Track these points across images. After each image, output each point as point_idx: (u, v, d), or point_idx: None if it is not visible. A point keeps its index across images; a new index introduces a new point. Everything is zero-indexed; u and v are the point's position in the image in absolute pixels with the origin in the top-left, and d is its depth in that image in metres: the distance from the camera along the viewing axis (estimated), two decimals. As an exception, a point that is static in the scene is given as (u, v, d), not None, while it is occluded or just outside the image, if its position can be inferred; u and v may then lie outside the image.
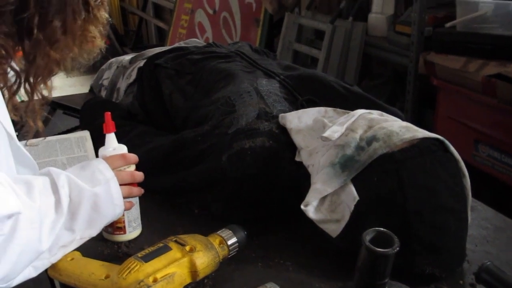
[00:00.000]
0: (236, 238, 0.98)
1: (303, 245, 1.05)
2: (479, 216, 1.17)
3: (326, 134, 1.00)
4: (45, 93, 0.93)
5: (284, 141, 1.12)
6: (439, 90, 2.29)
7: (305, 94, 1.26)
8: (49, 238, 0.83)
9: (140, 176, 1.01)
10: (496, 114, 2.02)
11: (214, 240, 0.96)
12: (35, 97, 0.93)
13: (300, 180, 1.06)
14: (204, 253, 0.92)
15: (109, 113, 1.03)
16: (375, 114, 1.05)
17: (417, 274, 0.92)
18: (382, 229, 0.67)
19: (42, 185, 0.85)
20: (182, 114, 1.32)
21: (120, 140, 1.05)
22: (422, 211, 0.89)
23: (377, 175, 0.91)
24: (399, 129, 0.96)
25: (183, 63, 1.46)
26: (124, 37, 6.08)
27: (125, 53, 5.62)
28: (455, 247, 0.94)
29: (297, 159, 1.09)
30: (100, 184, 0.91)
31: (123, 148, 1.05)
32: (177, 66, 1.45)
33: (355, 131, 0.98)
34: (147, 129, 1.35)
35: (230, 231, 0.98)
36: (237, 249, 0.98)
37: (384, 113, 1.07)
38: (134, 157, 1.02)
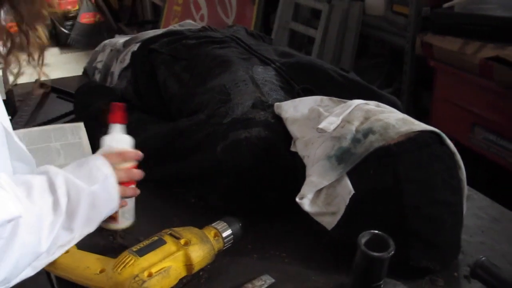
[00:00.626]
0: (231, 230, 0.98)
1: (299, 237, 1.05)
2: (474, 205, 1.17)
3: (322, 125, 0.99)
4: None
5: (279, 131, 1.11)
6: (436, 72, 2.27)
7: (301, 82, 1.25)
8: (48, 239, 0.83)
9: (138, 174, 1.00)
10: (493, 97, 2.01)
11: (209, 232, 0.96)
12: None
13: (296, 171, 1.05)
14: (199, 247, 0.92)
15: (121, 104, 1.02)
16: (371, 104, 1.04)
17: (412, 267, 0.92)
18: (377, 231, 0.67)
19: (40, 185, 0.84)
20: (177, 101, 1.31)
21: None
22: (418, 205, 0.89)
23: (373, 169, 0.91)
24: (395, 121, 0.95)
25: (178, 48, 1.44)
26: (119, 12, 6.00)
27: (119, 29, 5.57)
28: (450, 240, 0.94)
29: (292, 149, 1.08)
30: (98, 182, 0.90)
31: (128, 140, 1.04)
32: (172, 52, 1.42)
33: (351, 122, 0.97)
34: (142, 116, 1.33)
35: (225, 224, 0.98)
36: (232, 241, 0.98)
37: (380, 104, 1.06)
38: (134, 154, 1.01)
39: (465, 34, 2.11)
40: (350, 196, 0.91)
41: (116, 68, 1.65)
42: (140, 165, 1.02)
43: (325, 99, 1.14)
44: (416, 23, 2.35)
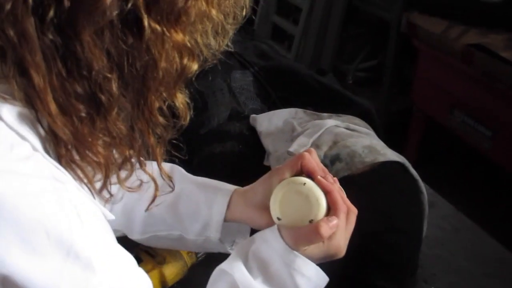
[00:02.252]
0: (204, 244, 1.04)
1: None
2: (437, 214, 1.21)
3: (292, 148, 1.03)
4: None
5: (253, 144, 1.15)
6: (420, 52, 2.29)
7: (278, 88, 1.28)
8: None
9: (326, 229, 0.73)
10: (473, 83, 2.04)
11: (183, 248, 1.02)
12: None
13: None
14: (173, 265, 0.98)
15: None
16: (342, 127, 1.08)
17: (368, 286, 0.99)
18: None
19: None
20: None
21: None
22: (378, 233, 0.95)
23: (337, 197, 0.96)
24: (362, 149, 0.99)
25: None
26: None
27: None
28: (407, 263, 1.01)
29: (265, 163, 1.12)
30: None
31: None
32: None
33: (320, 147, 1.02)
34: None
35: (199, 238, 1.04)
36: (205, 254, 1.04)
37: (350, 124, 1.10)
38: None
39: (450, 16, 2.12)
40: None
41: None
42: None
43: (299, 111, 1.18)
44: (402, 0, 2.35)
